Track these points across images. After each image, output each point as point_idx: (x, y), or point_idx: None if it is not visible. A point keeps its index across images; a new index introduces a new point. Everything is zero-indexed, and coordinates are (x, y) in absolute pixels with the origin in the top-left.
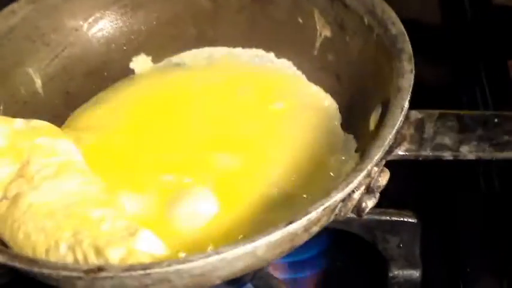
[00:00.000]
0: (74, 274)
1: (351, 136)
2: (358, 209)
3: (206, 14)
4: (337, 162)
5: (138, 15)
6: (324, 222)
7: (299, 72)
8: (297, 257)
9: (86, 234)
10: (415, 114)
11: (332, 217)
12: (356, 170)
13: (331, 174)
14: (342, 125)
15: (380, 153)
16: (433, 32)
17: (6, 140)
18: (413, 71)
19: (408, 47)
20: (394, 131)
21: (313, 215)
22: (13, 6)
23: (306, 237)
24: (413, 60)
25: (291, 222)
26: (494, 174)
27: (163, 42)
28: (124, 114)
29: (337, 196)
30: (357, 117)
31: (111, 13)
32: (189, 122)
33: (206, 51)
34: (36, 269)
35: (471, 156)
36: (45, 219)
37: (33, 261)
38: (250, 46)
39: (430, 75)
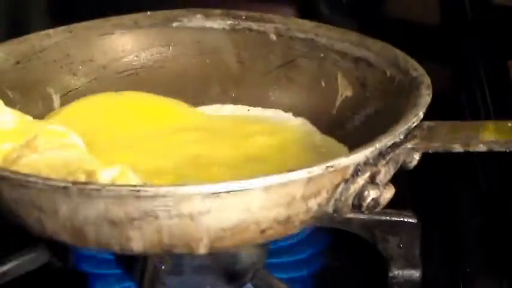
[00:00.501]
0: (61, 184)
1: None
2: (359, 197)
3: (233, 75)
4: None
5: (166, 66)
6: (323, 200)
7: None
8: (296, 256)
9: (80, 170)
10: (428, 124)
11: (332, 200)
12: (366, 146)
13: None
14: None
15: (389, 138)
16: (433, 32)
17: (17, 124)
18: (431, 95)
19: (428, 80)
20: (407, 125)
21: (316, 170)
22: (49, 31)
23: (302, 213)
24: (431, 88)
25: (291, 170)
26: (495, 174)
27: (187, 95)
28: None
29: (342, 160)
30: None
31: (141, 59)
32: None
33: (228, 107)
34: (22, 178)
35: (482, 148)
36: (42, 169)
37: (18, 172)
38: (270, 106)
39: (429, 75)
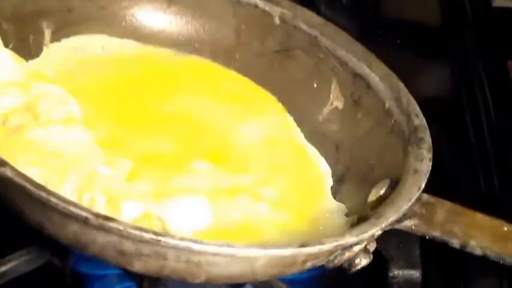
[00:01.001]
0: (83, 214)
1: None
2: (350, 263)
3: (226, 46)
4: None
5: (161, 20)
6: (318, 262)
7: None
8: None
9: (98, 181)
10: (427, 198)
11: (325, 260)
12: (371, 223)
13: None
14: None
15: (394, 217)
16: (433, 32)
17: (18, 75)
18: (432, 161)
19: (429, 138)
20: (410, 203)
21: (325, 247)
22: None
23: (297, 269)
24: (432, 151)
25: (303, 245)
26: (494, 173)
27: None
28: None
29: (350, 239)
30: (350, 186)
31: (139, 7)
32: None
33: None
34: (43, 195)
35: (478, 252)
36: (50, 157)
37: (42, 187)
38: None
39: (429, 76)
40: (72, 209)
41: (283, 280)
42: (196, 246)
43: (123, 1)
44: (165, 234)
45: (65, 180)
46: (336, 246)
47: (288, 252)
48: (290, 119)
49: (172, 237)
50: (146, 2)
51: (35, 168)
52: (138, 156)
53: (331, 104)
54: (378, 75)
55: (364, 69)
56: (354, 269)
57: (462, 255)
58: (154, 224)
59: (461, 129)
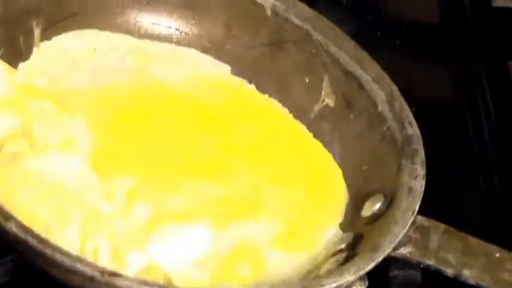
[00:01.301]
0: (89, 271)
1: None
2: None
3: (216, 37)
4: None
5: (151, 11)
6: None
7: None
8: None
9: (100, 228)
10: (421, 221)
11: None
12: (368, 258)
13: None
14: None
15: (390, 248)
16: (433, 32)
17: (9, 89)
18: (425, 177)
19: (422, 151)
20: (404, 230)
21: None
22: None
23: None
24: (425, 166)
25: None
26: (494, 173)
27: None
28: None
29: (347, 279)
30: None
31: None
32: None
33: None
34: (48, 251)
35: (472, 282)
36: (50, 191)
37: (47, 243)
38: (249, 82)
39: (430, 76)
40: (78, 266)
41: None
42: None
43: None
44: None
45: (68, 223)
46: (336, 286)
47: None
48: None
49: None
50: None
51: (37, 206)
52: (137, 171)
53: (323, 101)
54: (370, 76)
55: (356, 68)
56: None
57: None
58: (158, 273)
59: (461, 129)
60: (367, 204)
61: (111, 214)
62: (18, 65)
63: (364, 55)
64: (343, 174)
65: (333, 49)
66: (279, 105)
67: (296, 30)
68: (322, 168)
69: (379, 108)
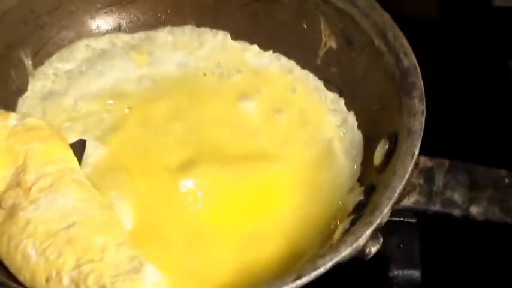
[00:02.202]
0: None
1: (352, 164)
2: (362, 253)
3: (207, 6)
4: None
5: (136, 1)
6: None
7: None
8: None
9: (89, 268)
10: (425, 162)
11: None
12: (365, 223)
13: (340, 203)
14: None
15: (389, 205)
16: (433, 32)
17: (2, 142)
18: (425, 112)
19: (420, 83)
20: (404, 181)
21: (321, 270)
22: None
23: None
24: (424, 99)
25: (299, 277)
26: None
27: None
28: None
29: (346, 251)
30: (357, 144)
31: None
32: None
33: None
34: None
35: (481, 218)
36: (45, 241)
37: None
38: (250, 42)
39: (429, 76)
40: None
41: None
42: None
43: None
44: None
45: (63, 271)
46: (334, 263)
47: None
48: None
49: None
50: None
51: (34, 260)
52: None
53: (325, 44)
54: (360, 10)
55: (346, 4)
56: (367, 258)
57: (462, 255)
58: None
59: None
60: (377, 152)
61: (102, 245)
62: (17, 100)
63: None
64: (356, 118)
65: None
66: None
67: None
68: None
69: (376, 43)
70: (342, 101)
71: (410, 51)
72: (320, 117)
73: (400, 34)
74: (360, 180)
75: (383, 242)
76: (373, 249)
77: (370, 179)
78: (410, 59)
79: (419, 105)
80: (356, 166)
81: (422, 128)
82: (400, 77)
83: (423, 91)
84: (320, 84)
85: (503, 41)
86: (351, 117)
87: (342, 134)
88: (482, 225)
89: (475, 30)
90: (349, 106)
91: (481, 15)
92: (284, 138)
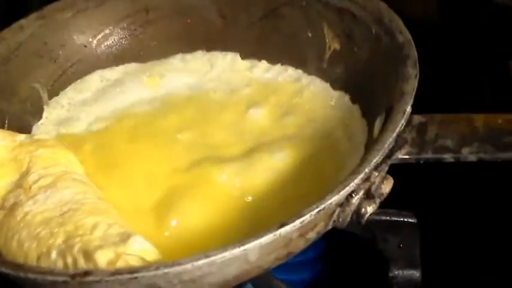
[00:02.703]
0: (60, 279)
1: (357, 149)
2: (357, 214)
3: (216, 31)
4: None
5: (147, 31)
6: (321, 228)
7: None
8: (297, 256)
9: (77, 240)
10: (418, 119)
11: (330, 223)
12: (353, 172)
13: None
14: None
15: (378, 156)
16: (433, 32)
17: (8, 153)
18: (418, 76)
19: (414, 53)
20: (394, 135)
21: (307, 217)
22: (22, 21)
23: (302, 244)
24: (417, 66)
25: (283, 225)
26: (493, 174)
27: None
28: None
29: (333, 199)
30: (361, 132)
31: (121, 30)
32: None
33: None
34: (22, 274)
35: (472, 158)
36: (39, 227)
37: (19, 266)
38: (259, 59)
39: (429, 76)
40: (49, 277)
41: (283, 280)
42: (174, 269)
43: (103, 30)
44: (139, 268)
45: (52, 246)
46: (319, 211)
47: (268, 239)
48: None
49: (147, 268)
50: (126, 22)
51: (28, 243)
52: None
53: (330, 47)
54: (358, 4)
55: (345, 2)
56: (363, 219)
57: (462, 255)
58: (130, 260)
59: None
60: (376, 125)
61: (93, 224)
62: (31, 128)
63: None
64: (361, 108)
65: None
66: None
67: None
68: None
69: (373, 30)
70: (347, 97)
71: (405, 29)
72: (325, 114)
73: (396, 17)
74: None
75: (383, 242)
76: (369, 208)
77: None
78: (405, 36)
79: (412, 71)
80: (361, 150)
81: (414, 88)
82: (396, 52)
83: (416, 59)
84: (326, 85)
85: (504, 41)
86: (356, 110)
87: (347, 126)
88: (482, 224)
89: (476, 30)
90: (354, 100)
91: (481, 14)
92: (290, 135)
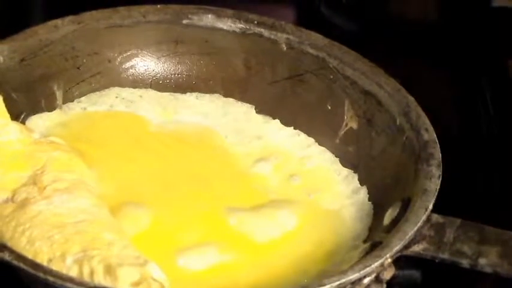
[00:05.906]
0: None
1: (360, 229)
2: (378, 280)
3: (238, 79)
4: (345, 249)
5: (172, 62)
6: None
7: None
8: None
9: (95, 253)
10: (437, 218)
11: None
12: (374, 255)
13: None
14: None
15: (399, 246)
16: (433, 32)
17: (24, 147)
18: (441, 177)
19: (438, 153)
20: (415, 228)
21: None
22: (57, 21)
23: None
24: (441, 167)
25: None
26: (493, 174)
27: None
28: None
29: (353, 276)
30: (366, 215)
31: (147, 53)
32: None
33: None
34: (41, 275)
35: (488, 270)
36: (53, 229)
37: (39, 266)
38: (273, 117)
39: (429, 76)
40: (68, 285)
41: None
42: None
43: (131, 50)
44: None
45: (68, 252)
46: (339, 285)
47: None
48: None
49: None
50: (154, 48)
51: (39, 243)
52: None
53: (346, 125)
54: (387, 92)
55: (373, 87)
56: (384, 282)
57: None
58: (153, 285)
59: (461, 129)
60: (388, 213)
61: (110, 240)
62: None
63: (379, 72)
64: (368, 192)
65: (349, 72)
66: None
67: (313, 60)
68: None
69: (398, 121)
70: (356, 177)
71: (431, 128)
72: (332, 188)
73: (423, 114)
74: (366, 240)
75: None
76: (388, 275)
77: (376, 238)
78: (430, 134)
79: (436, 171)
80: (363, 230)
81: (437, 189)
82: (419, 150)
83: (441, 160)
84: (336, 160)
85: (503, 41)
86: (363, 191)
87: (351, 205)
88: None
89: (475, 30)
90: (362, 181)
91: (480, 15)
92: (294, 199)
